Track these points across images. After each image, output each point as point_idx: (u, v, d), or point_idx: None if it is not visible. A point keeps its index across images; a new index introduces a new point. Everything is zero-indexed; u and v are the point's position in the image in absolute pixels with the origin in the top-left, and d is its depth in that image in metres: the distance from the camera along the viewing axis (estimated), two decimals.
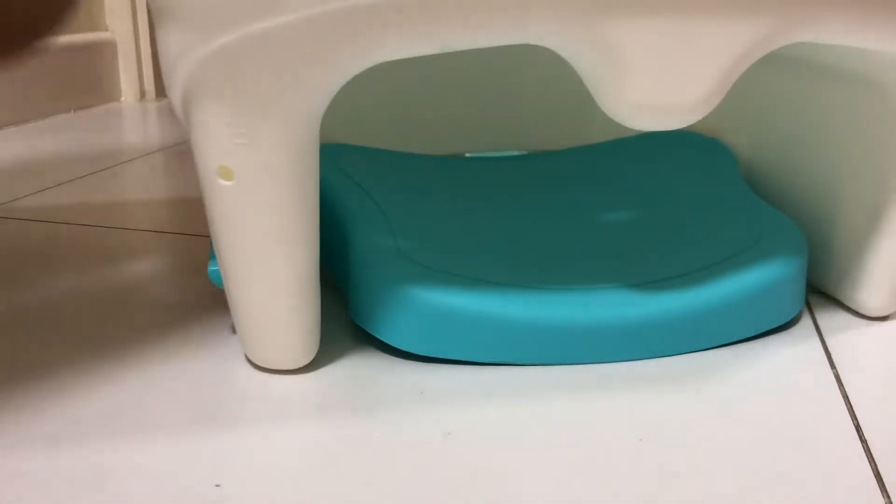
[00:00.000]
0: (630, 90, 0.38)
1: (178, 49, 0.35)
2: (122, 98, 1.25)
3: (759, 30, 0.37)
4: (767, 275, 0.47)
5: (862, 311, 0.50)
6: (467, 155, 0.66)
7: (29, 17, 0.39)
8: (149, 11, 1.13)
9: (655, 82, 0.37)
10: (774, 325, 0.48)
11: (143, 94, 1.27)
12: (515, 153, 0.67)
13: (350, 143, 0.62)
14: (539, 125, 0.68)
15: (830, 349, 0.47)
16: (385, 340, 0.45)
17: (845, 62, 0.47)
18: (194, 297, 0.52)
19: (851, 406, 0.41)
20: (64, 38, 1.11)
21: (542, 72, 0.67)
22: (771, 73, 0.56)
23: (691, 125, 0.61)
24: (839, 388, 0.43)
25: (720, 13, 0.37)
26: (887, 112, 0.46)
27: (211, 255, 0.44)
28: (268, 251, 0.39)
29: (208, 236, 0.59)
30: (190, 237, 0.59)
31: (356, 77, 0.47)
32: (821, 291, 0.54)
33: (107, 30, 1.23)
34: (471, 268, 0.46)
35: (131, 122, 1.10)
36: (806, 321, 0.50)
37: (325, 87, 0.36)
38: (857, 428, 0.39)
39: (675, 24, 0.36)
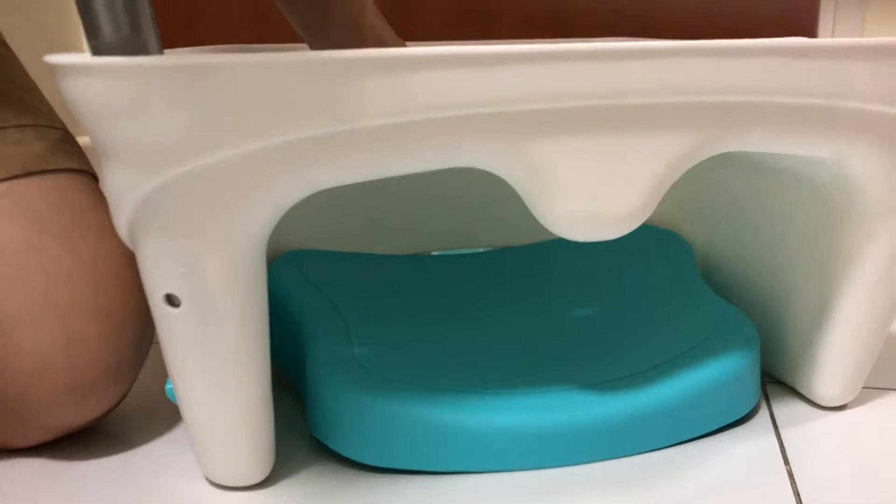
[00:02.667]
0: (562, 206, 0.39)
1: (119, 186, 0.36)
2: None
3: (683, 144, 0.39)
4: (719, 372, 0.48)
5: (818, 400, 0.51)
6: (433, 253, 0.68)
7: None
8: None
9: (586, 198, 0.39)
10: (730, 420, 0.49)
11: None
12: (481, 250, 0.68)
13: (314, 247, 0.63)
14: (505, 221, 0.69)
15: (785, 443, 0.47)
16: (341, 453, 0.45)
17: (784, 162, 0.49)
18: (154, 410, 0.52)
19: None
20: None
21: None
22: (724, 169, 0.57)
23: (649, 218, 0.63)
24: (791, 485, 0.43)
25: (644, 130, 0.38)
26: (826, 208, 0.48)
27: None
28: (217, 373, 0.40)
29: None
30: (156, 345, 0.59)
31: None
32: (779, 380, 0.54)
33: None
34: (427, 375, 0.47)
35: None
36: (763, 413, 0.51)
37: (266, 216, 0.37)
38: None
39: (600, 142, 0.38)
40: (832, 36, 1.27)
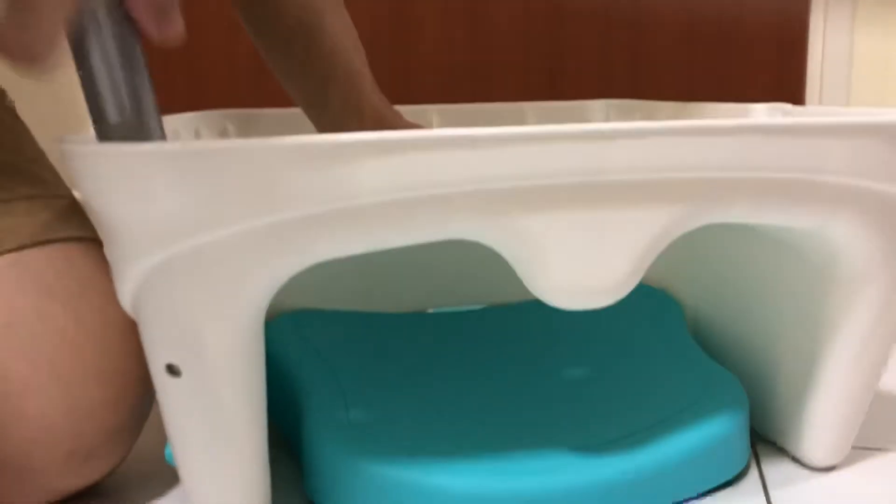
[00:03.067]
0: (551, 278, 0.40)
1: (123, 261, 0.38)
2: None
3: (667, 218, 0.40)
4: (708, 434, 0.49)
5: (807, 461, 0.52)
6: (430, 311, 0.69)
7: None
8: None
9: (574, 270, 0.40)
10: (720, 482, 0.49)
11: None
12: (478, 307, 0.69)
13: (312, 306, 0.64)
14: (502, 278, 0.70)
15: None
16: None
17: (769, 229, 0.50)
18: (153, 473, 0.53)
19: None
20: None
21: None
22: (713, 232, 0.58)
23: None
24: None
25: (628, 205, 0.40)
26: (809, 274, 0.49)
27: None
28: (215, 440, 0.41)
29: None
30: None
31: None
32: (770, 440, 0.55)
33: None
34: (423, 438, 0.48)
35: None
36: (753, 474, 0.51)
37: (265, 289, 0.39)
38: None
39: (586, 216, 0.39)
40: (823, 35, 1.29)
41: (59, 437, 0.44)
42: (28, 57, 0.31)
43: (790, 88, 1.28)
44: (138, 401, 0.48)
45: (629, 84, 1.30)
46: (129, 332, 0.48)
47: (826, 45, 1.32)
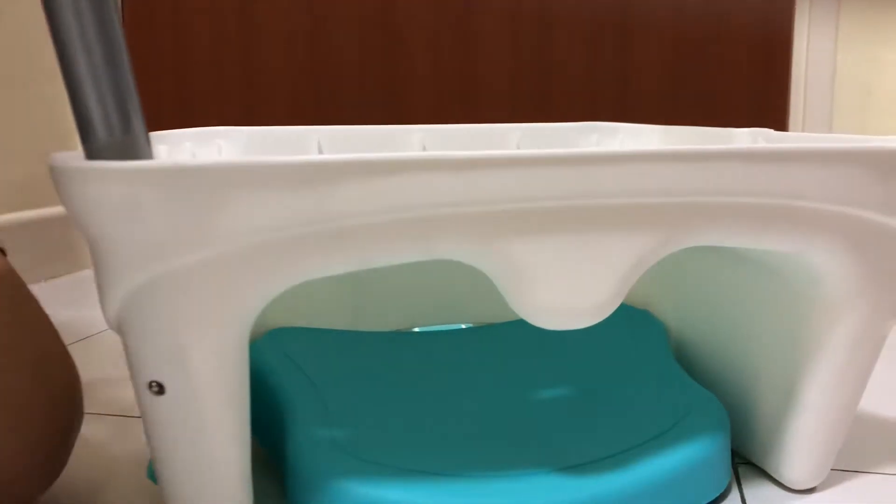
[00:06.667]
0: (535, 298, 0.41)
1: (110, 279, 0.38)
2: None
3: (649, 241, 0.41)
4: (690, 455, 0.49)
5: (787, 483, 0.52)
6: (416, 329, 0.69)
7: None
8: None
9: (558, 291, 0.40)
10: (702, 503, 0.50)
11: None
12: (462, 326, 0.69)
13: (297, 324, 0.64)
14: (487, 297, 0.70)
15: None
16: None
17: (751, 252, 0.51)
18: (135, 490, 0.53)
19: None
20: (38, 211, 1.15)
21: None
22: (696, 254, 0.59)
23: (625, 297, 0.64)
24: None
25: (612, 228, 0.40)
26: (790, 297, 0.50)
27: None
28: (198, 457, 0.41)
29: None
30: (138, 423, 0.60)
31: None
32: (751, 462, 0.55)
33: None
34: (404, 457, 0.48)
35: None
36: (734, 496, 0.52)
37: (251, 307, 0.39)
38: None
39: (570, 239, 0.40)
40: (806, 57, 1.31)
41: None
42: None
43: (774, 110, 1.30)
44: (45, 420, 0.45)
45: (615, 100, 1.32)
46: (17, 352, 0.45)
47: (809, 67, 1.34)
